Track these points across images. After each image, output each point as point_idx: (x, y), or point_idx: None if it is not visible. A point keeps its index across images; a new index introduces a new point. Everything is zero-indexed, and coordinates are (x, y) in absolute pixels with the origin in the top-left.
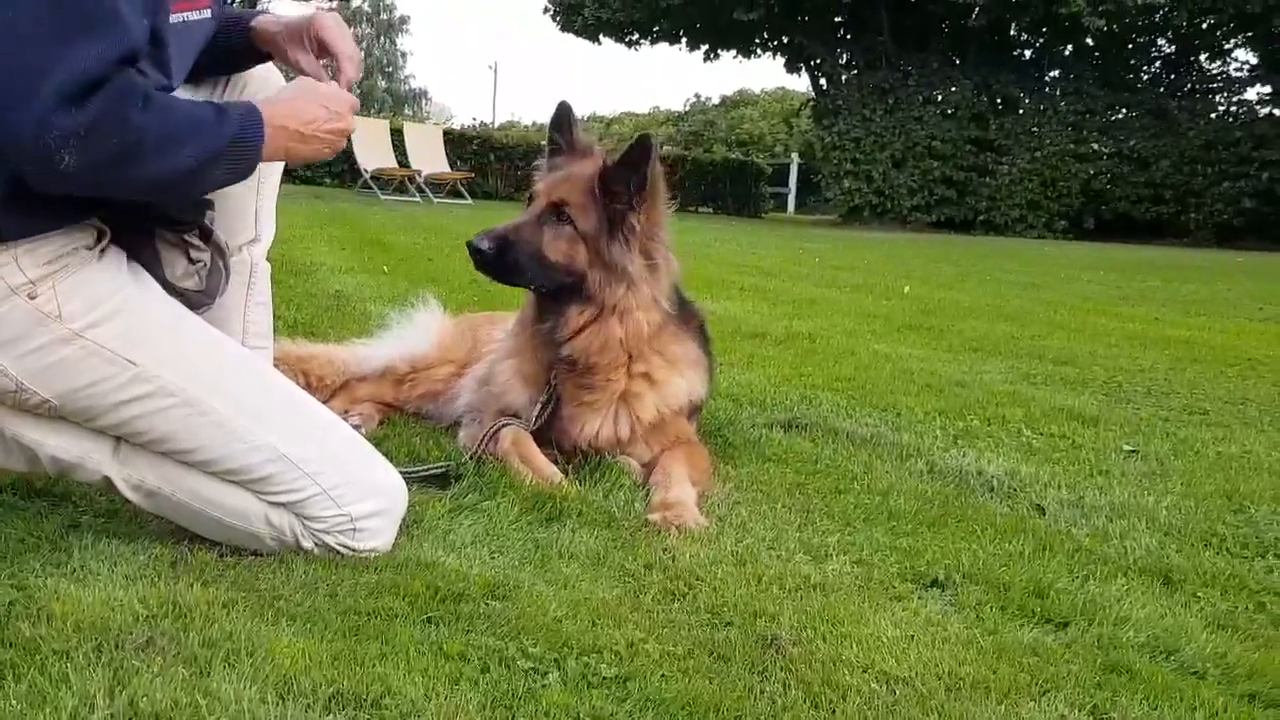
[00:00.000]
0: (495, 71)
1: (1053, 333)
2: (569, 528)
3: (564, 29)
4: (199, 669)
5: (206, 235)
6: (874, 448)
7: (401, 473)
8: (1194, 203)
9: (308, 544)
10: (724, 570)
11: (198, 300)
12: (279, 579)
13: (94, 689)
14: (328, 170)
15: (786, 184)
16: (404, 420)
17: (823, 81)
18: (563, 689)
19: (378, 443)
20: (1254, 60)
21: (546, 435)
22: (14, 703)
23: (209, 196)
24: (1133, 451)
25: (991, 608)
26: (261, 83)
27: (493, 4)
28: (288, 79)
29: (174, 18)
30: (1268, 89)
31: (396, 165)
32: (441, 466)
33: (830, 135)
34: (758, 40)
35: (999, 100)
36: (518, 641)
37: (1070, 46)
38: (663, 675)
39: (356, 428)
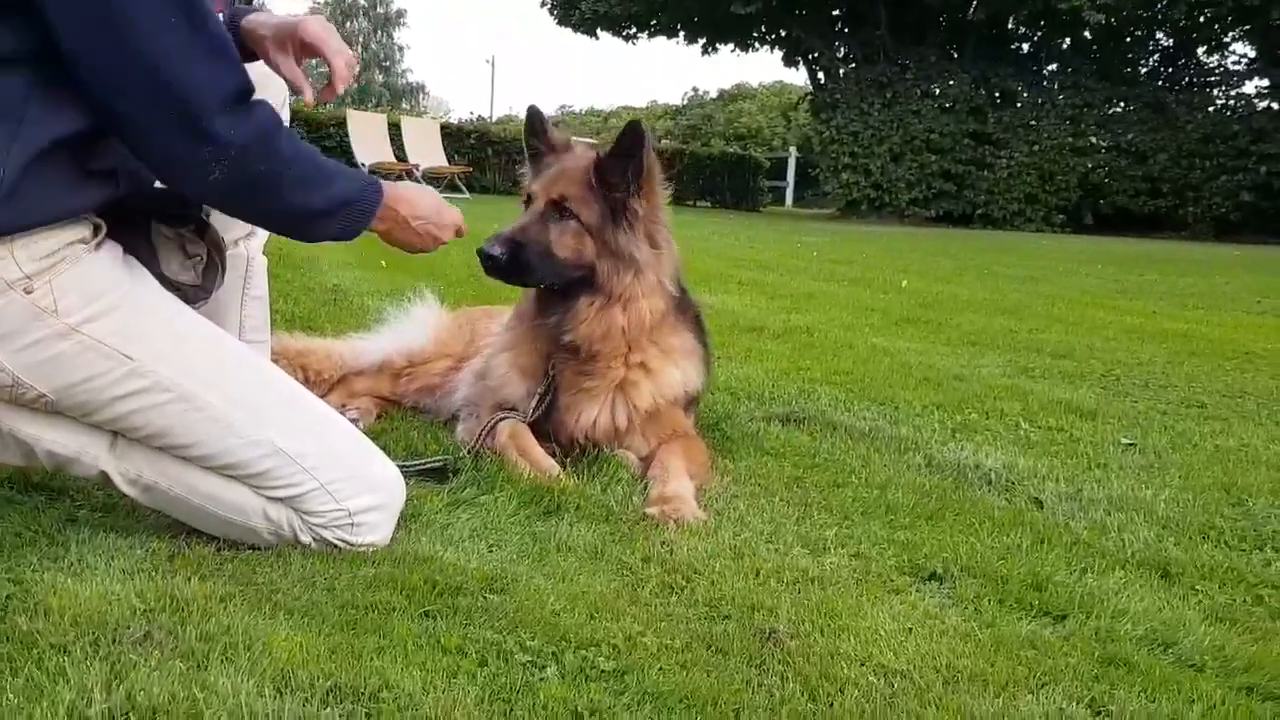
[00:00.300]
0: (493, 66)
1: (1050, 326)
2: (567, 521)
3: (561, 23)
4: (196, 663)
5: (203, 230)
6: (872, 441)
7: (399, 467)
8: (1192, 196)
9: (305, 539)
10: (722, 564)
11: (194, 295)
12: (276, 573)
13: (91, 683)
14: None
15: (784, 178)
16: (401, 414)
17: (820, 75)
18: (561, 682)
19: (375, 437)
20: (1252, 54)
21: (544, 428)
22: (11, 696)
23: None
24: (1131, 445)
25: (989, 601)
26: (262, 83)
27: None
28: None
29: None
30: (1265, 82)
31: (394, 159)
32: (439, 460)
33: (828, 129)
34: (755, 34)
35: (997, 94)
36: (516, 635)
37: (1068, 40)
38: (660, 668)
39: (354, 422)
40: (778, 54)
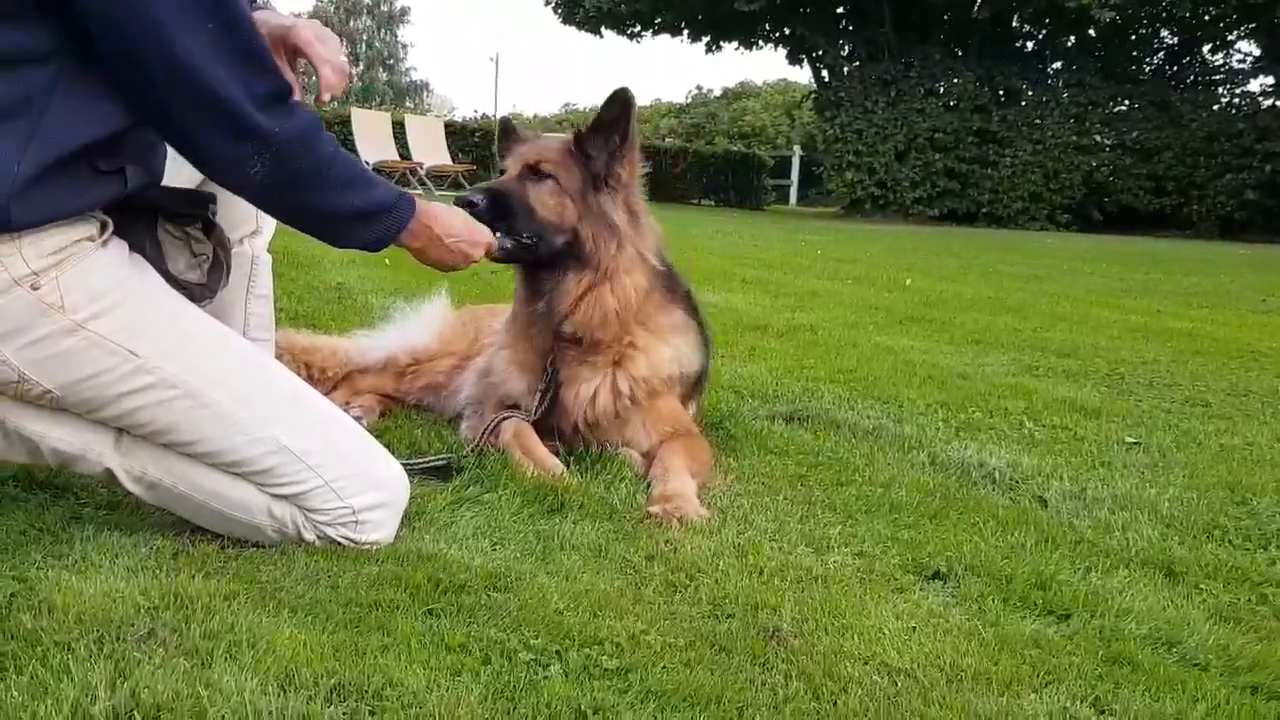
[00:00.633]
0: (497, 64)
1: (1055, 325)
2: (570, 520)
3: (565, 21)
4: (200, 661)
5: (209, 229)
6: (876, 440)
7: (403, 465)
8: (1197, 195)
9: (310, 536)
10: (726, 562)
11: (199, 294)
12: (280, 571)
13: (95, 680)
14: None
15: (788, 176)
16: (405, 412)
17: (825, 73)
18: (564, 680)
19: (379, 435)
20: (1257, 52)
21: (547, 423)
22: (16, 694)
23: (212, 190)
24: (1135, 443)
25: (993, 599)
26: None
27: None
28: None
29: None
30: (1270, 80)
31: (398, 158)
32: (443, 458)
33: (832, 127)
34: (759, 32)
35: (1001, 92)
36: (519, 633)
37: (1073, 38)
38: (664, 667)
39: (358, 419)
40: (782, 52)
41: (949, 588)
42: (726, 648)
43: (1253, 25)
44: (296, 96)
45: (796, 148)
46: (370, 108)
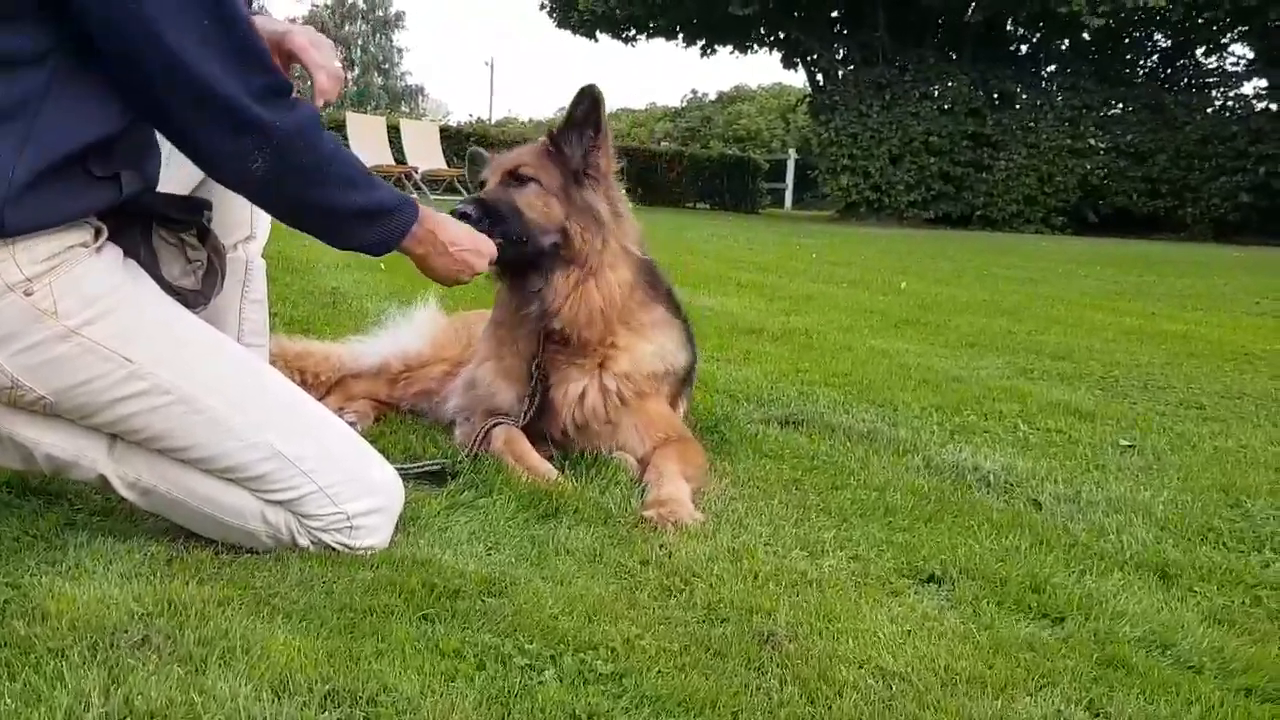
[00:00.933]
0: (492, 68)
1: (1049, 328)
2: (565, 524)
3: (560, 25)
4: (194, 667)
5: (204, 235)
6: (871, 443)
7: (397, 470)
8: (1191, 197)
9: (304, 541)
10: (720, 566)
11: (193, 300)
12: (275, 576)
13: (89, 687)
14: None
15: (783, 180)
16: (399, 417)
17: (819, 77)
18: (559, 685)
19: (373, 440)
20: (1250, 55)
21: (537, 428)
22: (9, 701)
23: (207, 196)
24: (1129, 446)
25: (988, 603)
26: None
27: (489, 0)
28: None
29: None
30: (1264, 83)
31: (393, 162)
32: (437, 463)
33: (827, 131)
34: (754, 36)
35: (996, 95)
36: (514, 638)
37: (1067, 41)
38: (659, 671)
39: (352, 425)
40: (776, 56)
41: (944, 591)
42: (721, 652)
43: (1245, 28)
44: None
45: (791, 151)
46: (365, 112)
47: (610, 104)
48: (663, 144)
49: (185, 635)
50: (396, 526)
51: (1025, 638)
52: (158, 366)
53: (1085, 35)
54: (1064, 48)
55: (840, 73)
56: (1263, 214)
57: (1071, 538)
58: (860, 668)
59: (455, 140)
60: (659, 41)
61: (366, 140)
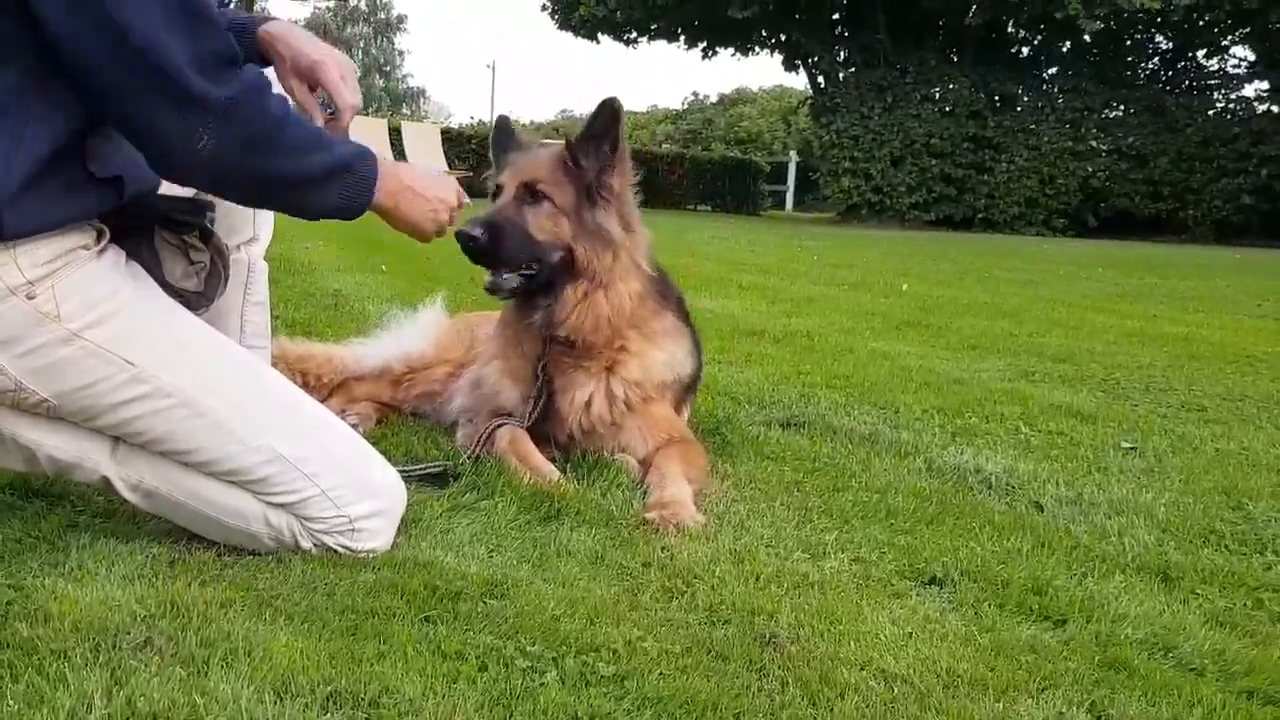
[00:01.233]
0: (493, 70)
1: (1051, 330)
2: (567, 526)
3: (561, 27)
4: (196, 669)
5: (207, 237)
6: (872, 445)
7: (400, 472)
8: (1192, 199)
9: (306, 544)
10: (722, 568)
11: (196, 302)
12: (277, 578)
13: (92, 689)
14: None
15: (785, 182)
16: (401, 419)
17: (820, 79)
18: (561, 688)
19: (375, 442)
20: (1252, 57)
21: (542, 430)
22: (11, 703)
23: (210, 198)
24: (1131, 448)
25: (990, 605)
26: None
27: (490, 2)
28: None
29: None
30: (1265, 85)
31: None
32: (439, 465)
33: (828, 133)
34: (755, 38)
35: (997, 97)
36: (516, 640)
37: (1068, 44)
38: (661, 673)
39: (354, 427)
40: (778, 58)
41: (945, 593)
42: (723, 654)
43: (1247, 30)
44: (319, 122)
45: (793, 153)
46: (367, 115)
47: None
48: (664, 146)
49: (187, 637)
50: (398, 529)
51: (1027, 640)
52: (160, 369)
53: (1086, 37)
54: (1065, 50)
55: (841, 75)
56: (1264, 216)
57: (1073, 540)
58: (862, 670)
59: (457, 142)
60: (660, 43)
61: (368, 142)
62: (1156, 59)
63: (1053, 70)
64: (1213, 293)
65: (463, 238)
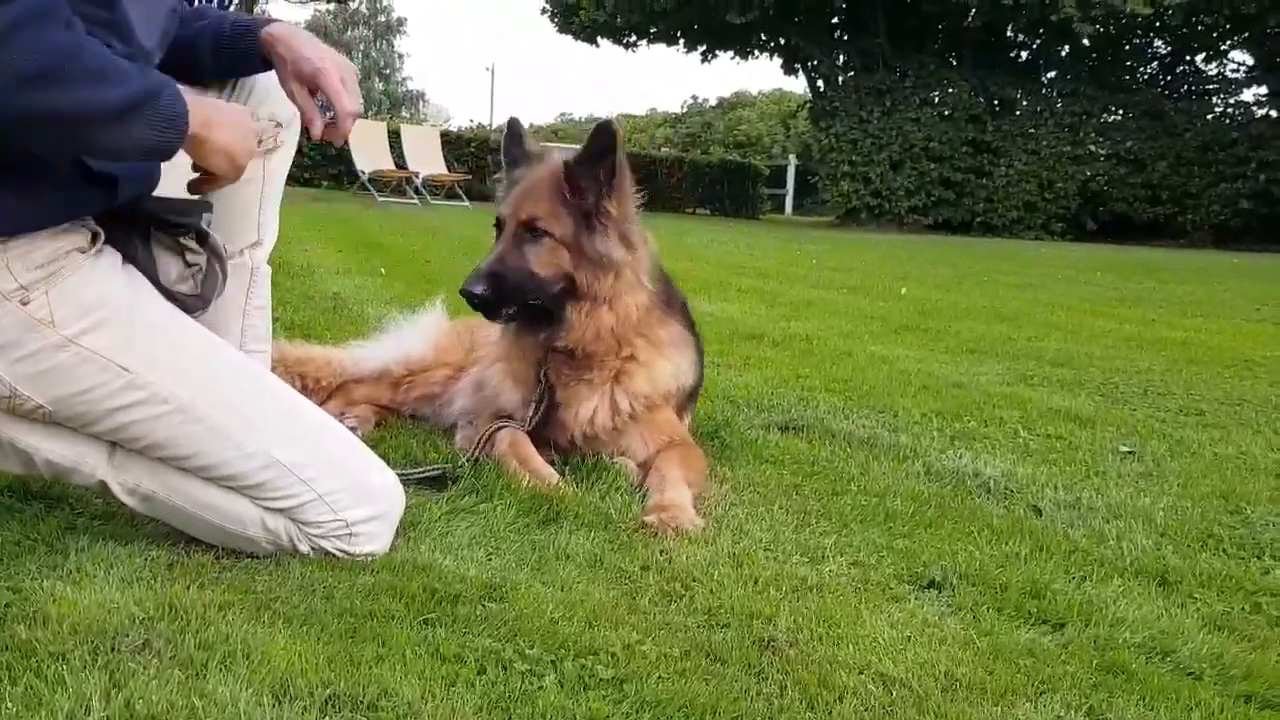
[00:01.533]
0: (492, 73)
1: (1049, 334)
2: (566, 529)
3: (561, 30)
4: (195, 671)
5: (203, 239)
6: (871, 449)
7: (398, 475)
8: (1191, 204)
9: (304, 548)
10: (721, 572)
11: (192, 305)
12: (275, 581)
13: (90, 691)
14: (324, 172)
15: (784, 185)
16: (400, 422)
17: (820, 83)
18: (559, 691)
19: (374, 445)
20: (1250, 61)
21: (543, 434)
22: (10, 705)
23: (208, 199)
24: (1129, 452)
25: (988, 609)
26: (265, 91)
27: (490, 6)
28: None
29: None
30: (1264, 90)
31: (394, 167)
32: (438, 468)
33: (827, 137)
34: (754, 42)
35: (996, 102)
36: (514, 643)
37: (1067, 48)
38: (659, 677)
39: (353, 430)
40: (777, 62)
41: (944, 597)
42: (722, 658)
43: (1246, 35)
44: (316, 130)
45: (792, 157)
46: (367, 117)
47: (611, 109)
48: (663, 150)
49: (186, 639)
50: (397, 532)
51: (1025, 644)
52: (156, 375)
53: (1085, 42)
54: (1064, 54)
55: (840, 79)
56: (1263, 221)
57: (1071, 544)
58: (860, 673)
59: (456, 145)
60: (659, 47)
61: (367, 145)
62: (1155, 63)
63: (1051, 74)
64: (1211, 297)
65: (467, 296)
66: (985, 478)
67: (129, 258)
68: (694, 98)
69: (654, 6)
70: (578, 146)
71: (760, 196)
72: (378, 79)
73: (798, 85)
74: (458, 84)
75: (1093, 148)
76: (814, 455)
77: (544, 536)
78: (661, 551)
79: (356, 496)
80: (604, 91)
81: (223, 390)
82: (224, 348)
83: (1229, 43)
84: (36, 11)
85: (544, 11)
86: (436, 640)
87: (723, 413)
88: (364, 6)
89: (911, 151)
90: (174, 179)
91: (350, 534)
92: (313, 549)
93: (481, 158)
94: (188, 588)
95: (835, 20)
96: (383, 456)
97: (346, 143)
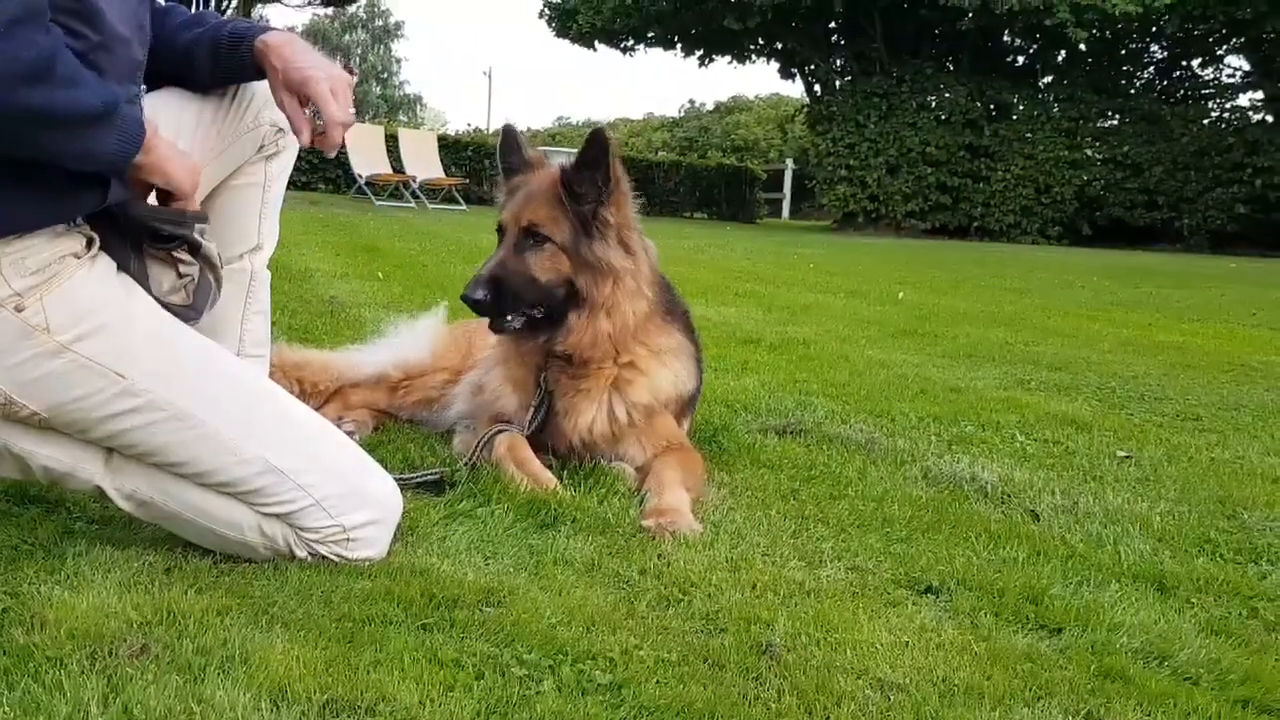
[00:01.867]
0: (490, 77)
1: (1046, 338)
2: (564, 534)
3: (558, 35)
4: (193, 676)
5: (195, 249)
6: (868, 454)
7: (396, 479)
8: (1187, 209)
9: (301, 553)
10: (718, 576)
11: (184, 315)
12: (273, 586)
13: (88, 696)
14: (322, 176)
15: (781, 190)
16: (398, 427)
17: (817, 87)
18: (557, 695)
19: (372, 449)
20: (1246, 66)
21: (541, 439)
22: (8, 710)
23: (204, 210)
24: (1126, 457)
25: (986, 614)
26: (265, 96)
27: (487, 10)
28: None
29: None
30: (1260, 95)
31: (391, 171)
32: (436, 473)
33: (825, 141)
34: (752, 46)
35: (992, 106)
36: (512, 648)
37: (1063, 53)
38: (657, 682)
39: (350, 434)
40: (774, 66)
41: (941, 602)
42: (719, 662)
43: (1241, 40)
44: (304, 138)
45: (789, 161)
46: (364, 121)
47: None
48: (660, 154)
49: (184, 644)
50: (395, 536)
51: (1023, 649)
52: (151, 382)
53: (1081, 46)
54: (1060, 59)
55: (838, 83)
56: (1259, 225)
57: (1069, 549)
58: (858, 678)
59: (453, 149)
60: (657, 51)
61: (365, 149)
62: (1151, 68)
63: (1048, 79)
64: (1207, 302)
65: (468, 301)
66: (982, 482)
67: (122, 268)
68: (691, 102)
69: (651, 11)
70: (576, 151)
71: (757, 201)
72: (375, 83)
73: (795, 90)
74: (455, 88)
75: (1089, 152)
76: (811, 460)
77: (542, 541)
78: (659, 556)
79: (354, 501)
80: (601, 95)
81: (219, 397)
82: (220, 354)
83: (1225, 48)
84: (31, 10)
85: (541, 15)
86: (434, 645)
87: (720, 417)
88: (362, 10)
89: (908, 156)
90: None
91: (348, 539)
92: (310, 554)
93: (478, 161)
94: (185, 592)
95: (832, 25)
96: (380, 461)
97: (344, 147)
